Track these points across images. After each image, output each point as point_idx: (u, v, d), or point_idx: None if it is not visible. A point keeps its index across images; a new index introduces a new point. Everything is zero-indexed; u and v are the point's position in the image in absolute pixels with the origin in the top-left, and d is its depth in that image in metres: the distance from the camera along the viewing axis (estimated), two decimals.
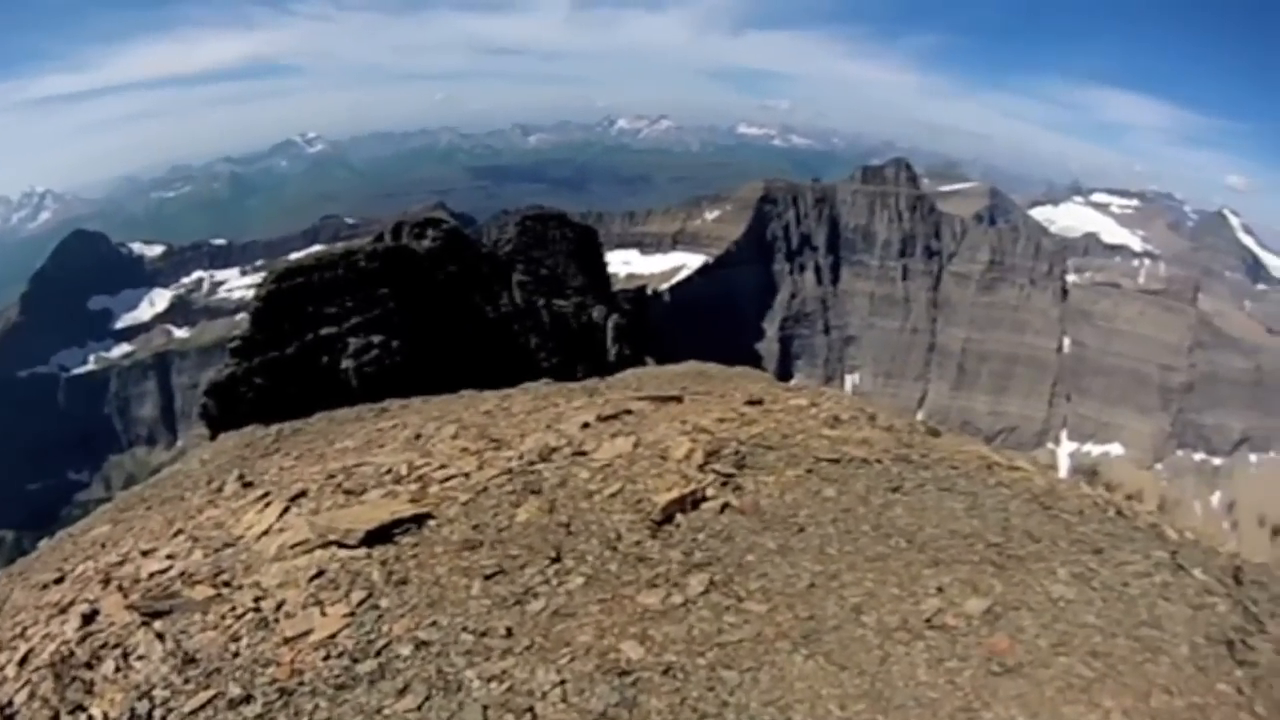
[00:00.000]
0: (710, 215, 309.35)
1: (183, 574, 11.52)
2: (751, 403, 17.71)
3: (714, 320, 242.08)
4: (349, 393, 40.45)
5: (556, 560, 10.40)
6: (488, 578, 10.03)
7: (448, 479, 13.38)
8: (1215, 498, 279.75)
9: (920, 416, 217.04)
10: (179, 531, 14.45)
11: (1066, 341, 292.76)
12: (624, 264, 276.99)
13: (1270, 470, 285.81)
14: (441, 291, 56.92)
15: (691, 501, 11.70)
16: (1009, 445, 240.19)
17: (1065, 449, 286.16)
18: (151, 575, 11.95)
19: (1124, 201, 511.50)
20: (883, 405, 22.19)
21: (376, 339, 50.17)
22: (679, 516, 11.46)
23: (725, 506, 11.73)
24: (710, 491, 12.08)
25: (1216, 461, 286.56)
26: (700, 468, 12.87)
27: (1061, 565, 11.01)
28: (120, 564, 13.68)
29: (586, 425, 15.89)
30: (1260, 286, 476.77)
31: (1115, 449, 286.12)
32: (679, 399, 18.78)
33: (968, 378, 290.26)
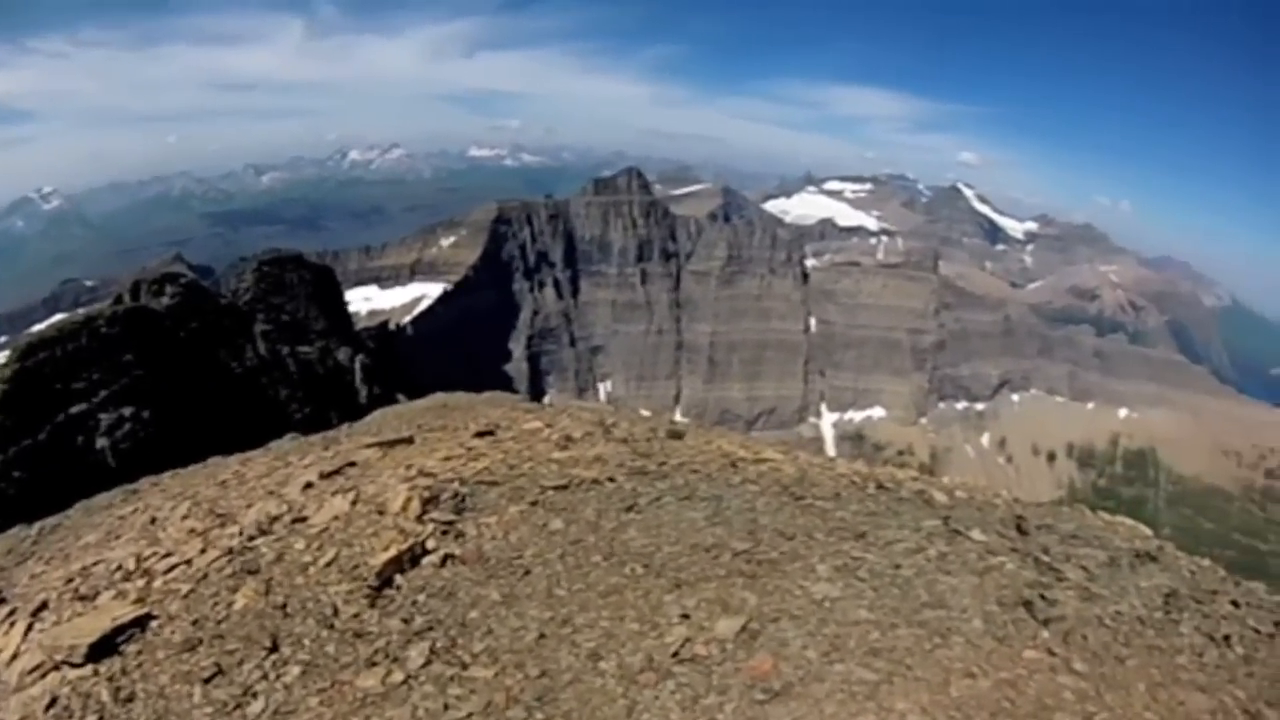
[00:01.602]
0: (446, 242, 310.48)
1: None
2: (482, 434, 16.96)
3: (461, 347, 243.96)
4: (108, 474, 38.55)
5: (274, 649, 9.36)
6: (207, 681, 8.95)
7: (171, 569, 11.99)
8: (984, 439, 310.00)
9: (678, 414, 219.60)
10: None
11: (813, 322, 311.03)
12: (365, 300, 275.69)
13: (1033, 405, 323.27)
14: (186, 350, 55.18)
15: (410, 558, 10.76)
16: (770, 426, 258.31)
17: (828, 420, 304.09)
18: None
19: (857, 187, 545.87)
20: (630, 413, 21.68)
21: (127, 411, 48.34)
22: (398, 578, 10.50)
23: (447, 558, 10.85)
24: (430, 544, 11.20)
25: (979, 407, 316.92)
26: (419, 518, 11.92)
27: (821, 560, 10.52)
28: None
29: (309, 486, 14.67)
30: (1000, 247, 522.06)
31: (877, 412, 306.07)
32: (409, 440, 17.93)
33: (719, 369, 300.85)
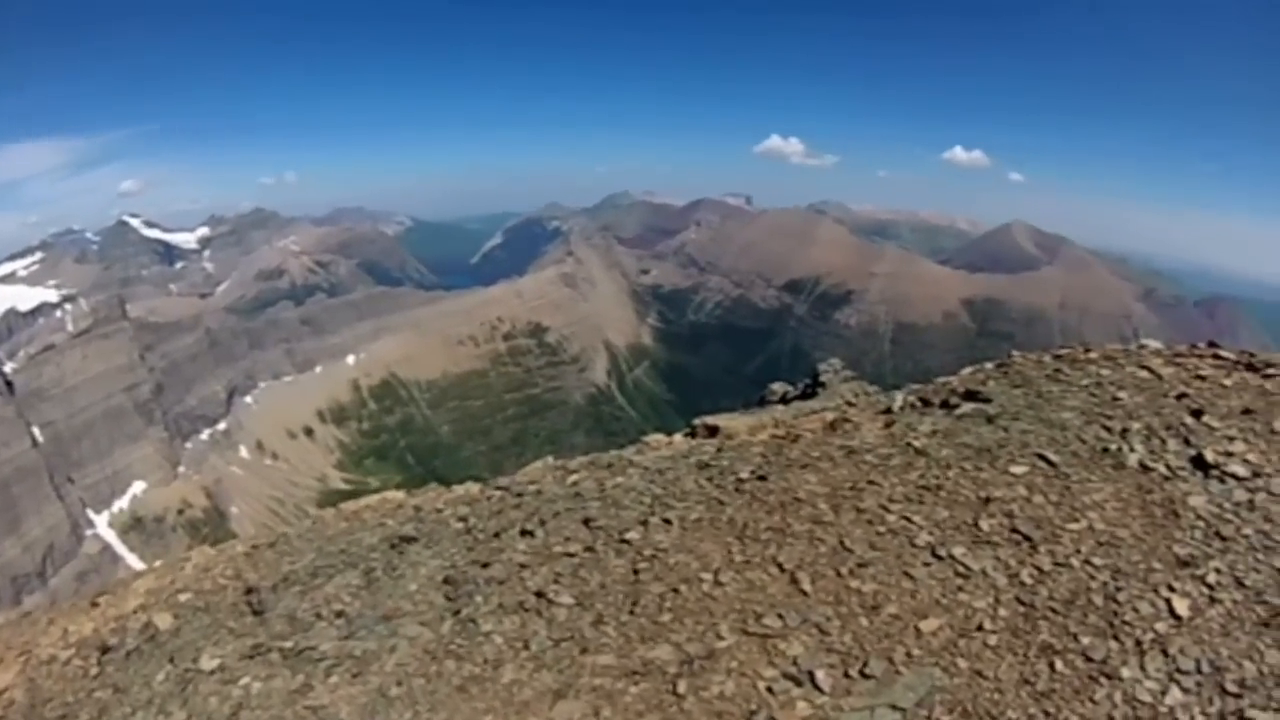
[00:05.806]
0: None
1: None
2: None
3: None
4: None
5: None
6: None
7: None
8: (242, 451, 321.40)
9: None
10: None
11: (37, 431, 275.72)
12: None
13: (268, 397, 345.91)
14: None
15: None
16: (59, 564, 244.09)
17: (102, 523, 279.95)
18: None
19: (27, 261, 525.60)
20: None
21: None
22: None
23: None
24: None
25: (222, 426, 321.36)
26: None
27: None
28: None
29: None
30: (179, 265, 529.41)
31: (139, 487, 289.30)
32: None
33: None
